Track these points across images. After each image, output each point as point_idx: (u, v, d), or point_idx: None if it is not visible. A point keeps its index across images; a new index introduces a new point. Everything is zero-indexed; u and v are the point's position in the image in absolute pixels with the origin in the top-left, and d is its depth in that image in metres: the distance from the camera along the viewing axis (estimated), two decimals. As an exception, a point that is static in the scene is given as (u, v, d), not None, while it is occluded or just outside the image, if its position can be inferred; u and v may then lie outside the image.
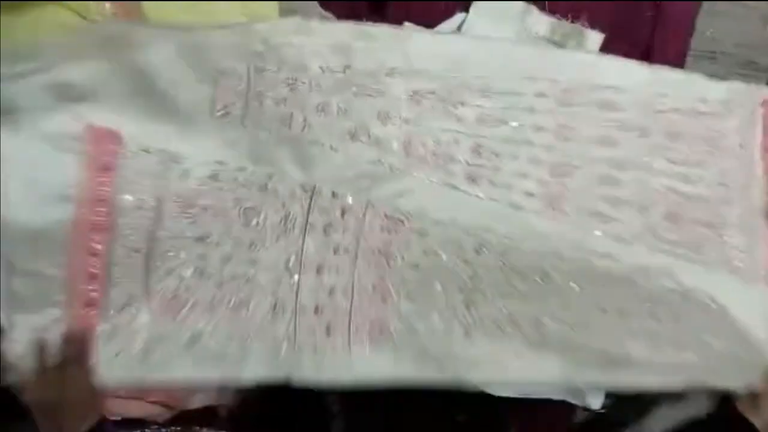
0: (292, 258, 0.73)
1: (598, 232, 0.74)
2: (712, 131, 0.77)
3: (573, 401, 0.84)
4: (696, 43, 0.84)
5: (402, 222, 0.74)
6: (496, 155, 0.73)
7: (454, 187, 0.74)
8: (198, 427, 0.88)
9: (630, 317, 0.74)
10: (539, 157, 0.73)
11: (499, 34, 0.78)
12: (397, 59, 0.71)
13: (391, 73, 0.71)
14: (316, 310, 0.73)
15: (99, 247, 0.68)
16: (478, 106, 0.73)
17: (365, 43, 0.70)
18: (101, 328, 0.71)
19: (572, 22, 0.79)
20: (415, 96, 0.72)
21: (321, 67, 0.71)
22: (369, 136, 0.72)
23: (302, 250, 0.73)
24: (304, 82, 0.70)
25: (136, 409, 0.80)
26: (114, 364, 0.71)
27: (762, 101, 0.79)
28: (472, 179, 0.73)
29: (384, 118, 0.72)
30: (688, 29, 0.83)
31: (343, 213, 0.74)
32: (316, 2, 0.78)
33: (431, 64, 0.72)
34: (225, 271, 0.72)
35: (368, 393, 0.76)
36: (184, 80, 0.68)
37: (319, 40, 0.70)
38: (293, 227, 0.73)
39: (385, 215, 0.74)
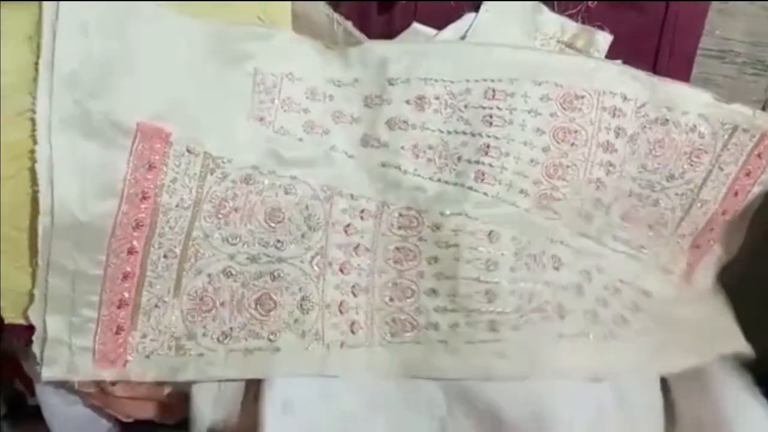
0: (317, 257, 0.76)
1: (584, 231, 0.78)
2: (696, 148, 0.78)
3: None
4: (705, 42, 0.84)
5: (416, 219, 0.76)
6: (505, 155, 0.75)
7: (462, 185, 0.76)
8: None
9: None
10: (538, 158, 0.75)
11: (509, 33, 0.78)
12: (400, 68, 0.73)
13: (393, 81, 0.73)
14: (341, 306, 0.76)
15: (137, 244, 0.70)
16: (483, 108, 0.74)
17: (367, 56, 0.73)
18: (133, 330, 0.72)
19: (583, 23, 0.78)
20: (420, 102, 0.74)
21: (332, 80, 0.74)
22: (379, 142, 0.75)
23: (326, 250, 0.75)
24: (322, 94, 0.74)
25: (148, 410, 0.81)
26: (148, 364, 0.72)
27: (762, 132, 0.78)
28: (480, 178, 0.75)
29: (391, 124, 0.75)
30: (699, 29, 0.82)
31: (362, 214, 0.77)
32: (324, 2, 0.77)
33: (435, 70, 0.73)
34: (252, 270, 0.74)
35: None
36: (223, 82, 0.69)
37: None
38: (317, 227, 0.75)
39: (400, 214, 0.77)
